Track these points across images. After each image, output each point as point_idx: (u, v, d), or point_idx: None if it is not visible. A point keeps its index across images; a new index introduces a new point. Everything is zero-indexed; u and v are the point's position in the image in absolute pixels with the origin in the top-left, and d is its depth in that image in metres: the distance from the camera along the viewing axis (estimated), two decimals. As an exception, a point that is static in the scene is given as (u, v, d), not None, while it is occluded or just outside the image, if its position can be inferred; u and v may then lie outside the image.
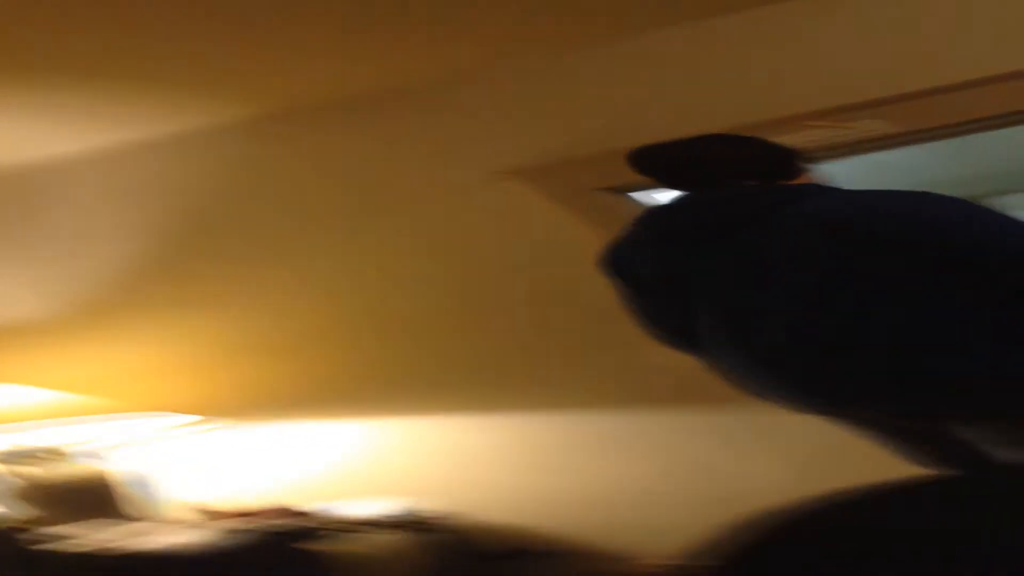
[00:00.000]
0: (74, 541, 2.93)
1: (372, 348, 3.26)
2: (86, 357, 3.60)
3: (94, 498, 3.51)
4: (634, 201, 2.86)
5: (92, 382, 3.59)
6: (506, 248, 2.94)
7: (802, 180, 1.74)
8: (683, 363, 1.74)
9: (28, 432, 3.39)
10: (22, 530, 2.99)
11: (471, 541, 3.27)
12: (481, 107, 2.88)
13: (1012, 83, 2.41)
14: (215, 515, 3.53)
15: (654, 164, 1.81)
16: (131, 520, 3.44)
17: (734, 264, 1.57)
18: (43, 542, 2.86)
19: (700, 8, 2.53)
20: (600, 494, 3.25)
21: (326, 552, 3.05)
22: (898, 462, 1.67)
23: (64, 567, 2.70)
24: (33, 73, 2.51)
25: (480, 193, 2.89)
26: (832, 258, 1.46)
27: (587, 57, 2.73)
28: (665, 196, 1.80)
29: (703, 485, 3.13)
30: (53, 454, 3.53)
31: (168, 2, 2.18)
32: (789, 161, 1.75)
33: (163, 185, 3.18)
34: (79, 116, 2.85)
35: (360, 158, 3.05)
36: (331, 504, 3.42)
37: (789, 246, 1.52)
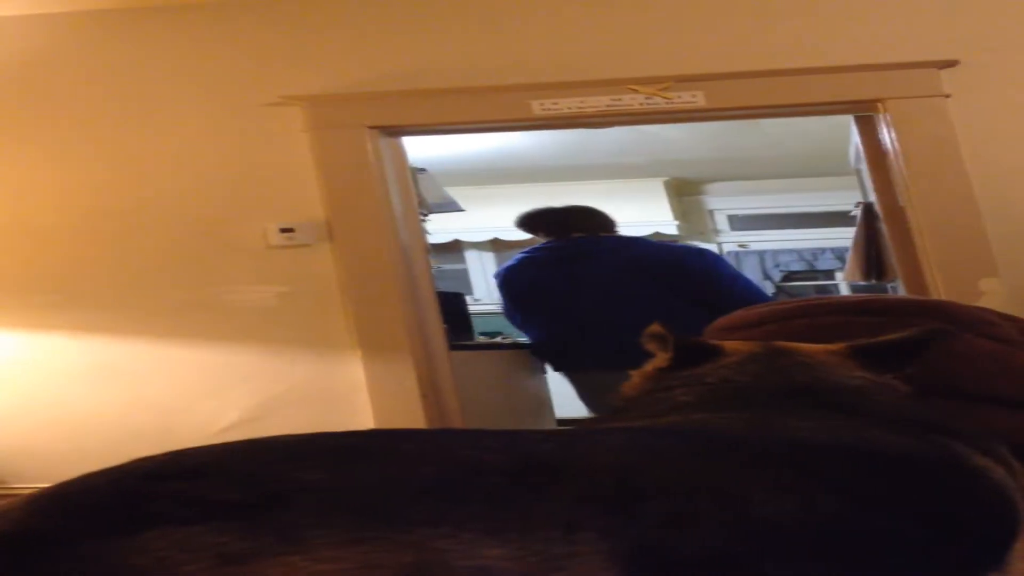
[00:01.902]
0: None
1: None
2: None
3: None
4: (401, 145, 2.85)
5: None
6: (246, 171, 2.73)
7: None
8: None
9: None
10: None
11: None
12: (274, 29, 2.74)
13: (818, 76, 2.56)
14: None
15: (533, 223, 3.23)
16: None
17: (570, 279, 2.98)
18: None
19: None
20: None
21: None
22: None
23: None
24: None
25: (251, 114, 2.74)
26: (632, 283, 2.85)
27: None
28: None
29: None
30: None
31: None
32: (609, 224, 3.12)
33: None
34: None
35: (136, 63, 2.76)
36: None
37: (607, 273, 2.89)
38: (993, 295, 2.47)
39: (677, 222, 5.91)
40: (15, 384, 2.72)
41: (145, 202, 2.74)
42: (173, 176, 2.75)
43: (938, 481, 0.75)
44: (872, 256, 3.10)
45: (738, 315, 1.60)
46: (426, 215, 3.28)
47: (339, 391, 2.68)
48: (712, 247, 6.27)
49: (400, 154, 2.87)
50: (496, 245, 6.31)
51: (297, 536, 0.47)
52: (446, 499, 0.52)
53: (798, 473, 0.68)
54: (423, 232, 3.01)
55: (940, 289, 2.55)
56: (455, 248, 6.19)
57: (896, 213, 2.75)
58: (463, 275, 6.19)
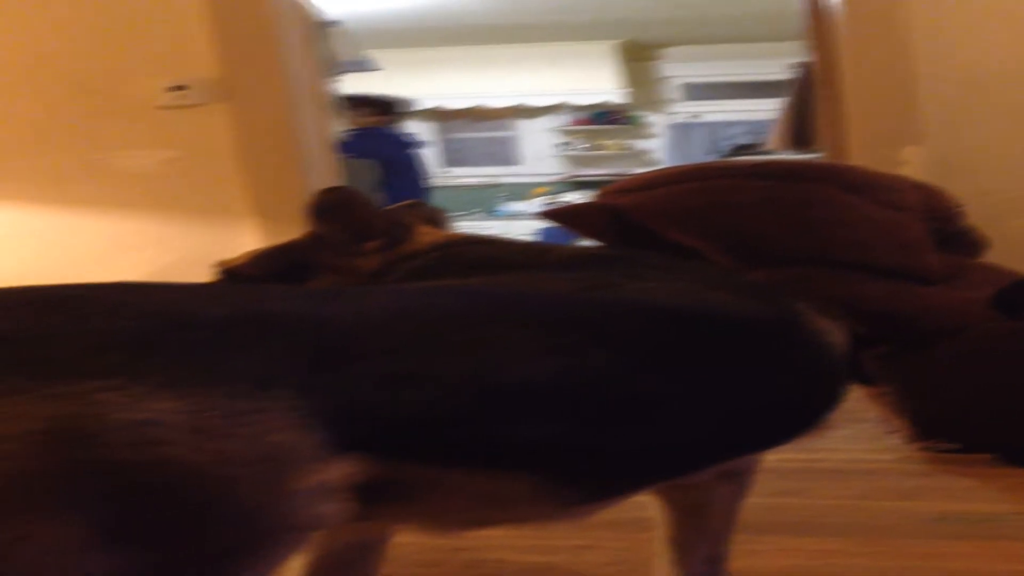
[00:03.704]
0: None
1: None
2: None
3: None
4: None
5: None
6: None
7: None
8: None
9: None
10: None
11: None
12: None
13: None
14: None
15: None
16: None
17: None
18: None
19: None
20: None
21: None
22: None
23: None
24: None
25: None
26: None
27: None
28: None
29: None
30: None
31: None
32: None
33: None
34: None
35: None
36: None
37: None
38: (914, 164, 2.36)
39: (627, 89, 5.67)
40: None
41: (24, 62, 2.56)
42: (53, 34, 2.57)
43: (771, 341, 0.73)
44: (801, 123, 2.90)
45: (631, 178, 1.60)
46: (338, 74, 3.05)
47: (235, 260, 2.60)
48: (661, 118, 6.05)
49: (300, 2, 2.63)
50: (439, 115, 6.03)
51: None
52: (129, 351, 0.51)
53: (574, 331, 0.64)
54: (330, 92, 2.81)
55: (859, 157, 2.42)
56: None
57: (831, 75, 2.56)
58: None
